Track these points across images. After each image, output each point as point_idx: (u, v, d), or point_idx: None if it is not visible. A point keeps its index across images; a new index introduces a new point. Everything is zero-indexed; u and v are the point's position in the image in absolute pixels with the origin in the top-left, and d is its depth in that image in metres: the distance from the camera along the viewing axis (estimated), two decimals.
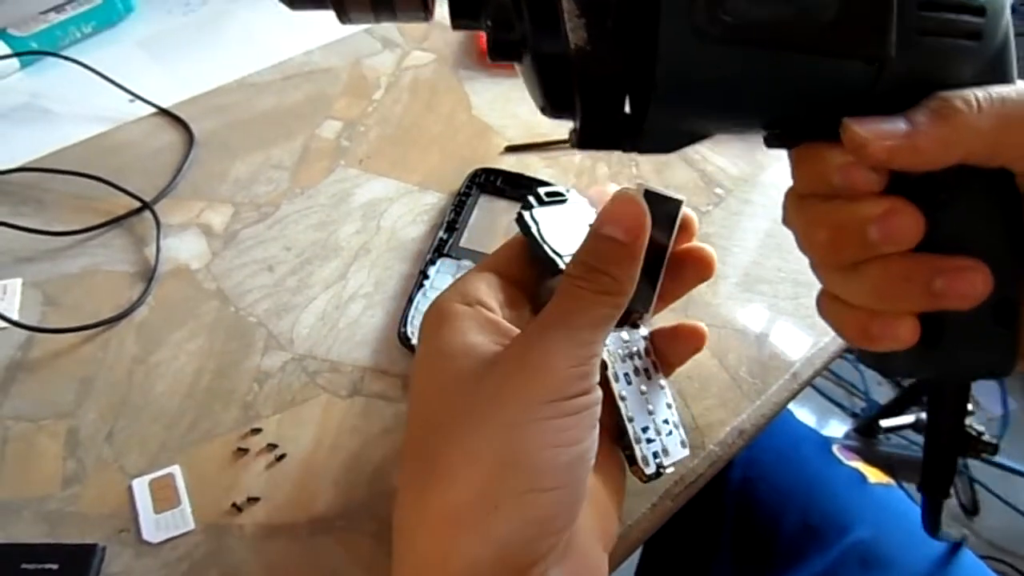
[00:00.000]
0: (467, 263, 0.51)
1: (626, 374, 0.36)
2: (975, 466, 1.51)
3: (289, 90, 0.66)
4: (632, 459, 0.35)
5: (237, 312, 0.50)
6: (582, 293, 0.31)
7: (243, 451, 0.43)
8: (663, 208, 0.36)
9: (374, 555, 0.40)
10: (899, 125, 0.26)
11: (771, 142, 0.31)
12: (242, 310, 0.50)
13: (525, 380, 0.29)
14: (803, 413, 1.62)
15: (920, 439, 1.52)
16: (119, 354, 0.47)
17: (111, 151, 0.60)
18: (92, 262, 0.52)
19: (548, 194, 0.38)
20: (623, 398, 0.36)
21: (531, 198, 0.37)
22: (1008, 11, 0.28)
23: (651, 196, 0.35)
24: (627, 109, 0.28)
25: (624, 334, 0.38)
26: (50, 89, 0.65)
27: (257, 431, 0.44)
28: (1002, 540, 1.43)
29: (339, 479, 0.42)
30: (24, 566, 0.37)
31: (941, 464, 0.38)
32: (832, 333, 0.50)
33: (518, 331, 0.32)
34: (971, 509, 1.48)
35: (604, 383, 0.34)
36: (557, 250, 0.35)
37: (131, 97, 0.64)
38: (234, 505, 0.41)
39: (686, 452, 0.37)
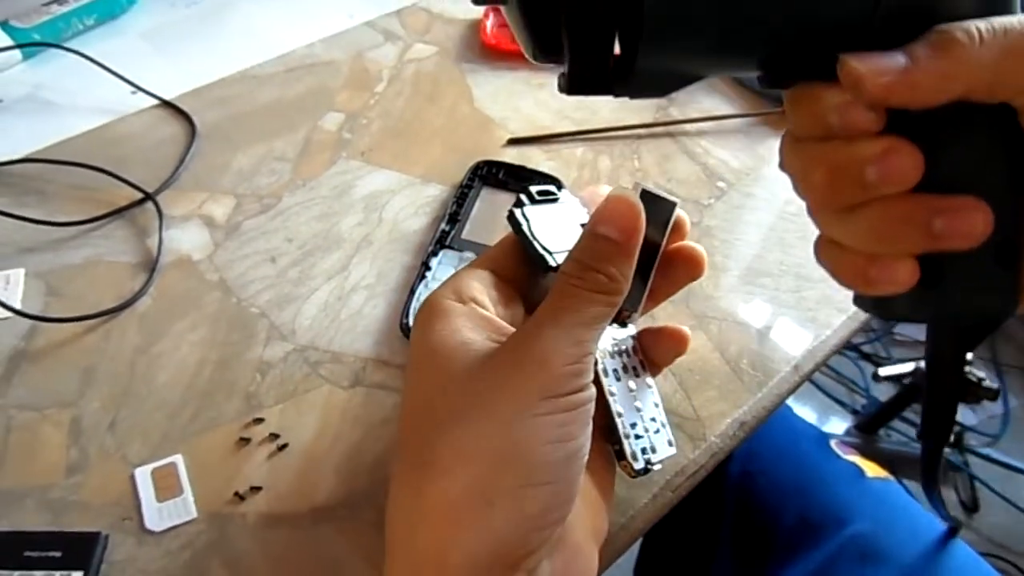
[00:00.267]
0: (469, 255, 0.51)
1: (615, 370, 0.37)
2: (975, 463, 1.52)
3: (291, 82, 0.66)
4: (621, 454, 0.35)
5: (239, 303, 0.50)
6: (577, 291, 0.31)
7: (245, 441, 0.43)
8: (657, 208, 0.36)
9: (375, 544, 0.40)
10: (898, 59, 0.26)
11: (766, 82, 0.30)
12: (244, 301, 0.50)
13: (521, 377, 0.29)
14: (804, 410, 1.62)
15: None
16: (122, 344, 0.48)
17: (113, 142, 0.60)
18: (95, 253, 0.52)
19: (540, 192, 0.38)
20: (612, 394, 0.36)
21: (522, 196, 0.37)
22: None
23: (646, 196, 0.35)
24: (617, 52, 0.28)
25: (612, 331, 0.38)
26: (53, 81, 0.65)
27: (259, 421, 0.44)
28: (1002, 537, 1.44)
29: (341, 468, 0.42)
30: (27, 554, 0.38)
31: (940, 411, 0.37)
32: (833, 327, 0.50)
33: (512, 328, 0.32)
34: (971, 506, 1.48)
35: (595, 378, 0.34)
36: (548, 248, 0.35)
37: (133, 89, 0.64)
38: (236, 494, 0.41)
39: (673, 451, 0.38)
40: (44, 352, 0.47)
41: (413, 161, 0.60)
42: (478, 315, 0.32)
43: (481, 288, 0.34)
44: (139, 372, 0.46)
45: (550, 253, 0.35)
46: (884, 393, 1.62)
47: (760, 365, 0.48)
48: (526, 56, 0.30)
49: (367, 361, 0.47)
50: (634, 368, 0.38)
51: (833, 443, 0.64)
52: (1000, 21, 0.26)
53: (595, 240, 0.31)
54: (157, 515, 0.40)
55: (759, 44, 0.28)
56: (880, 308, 0.32)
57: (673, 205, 0.37)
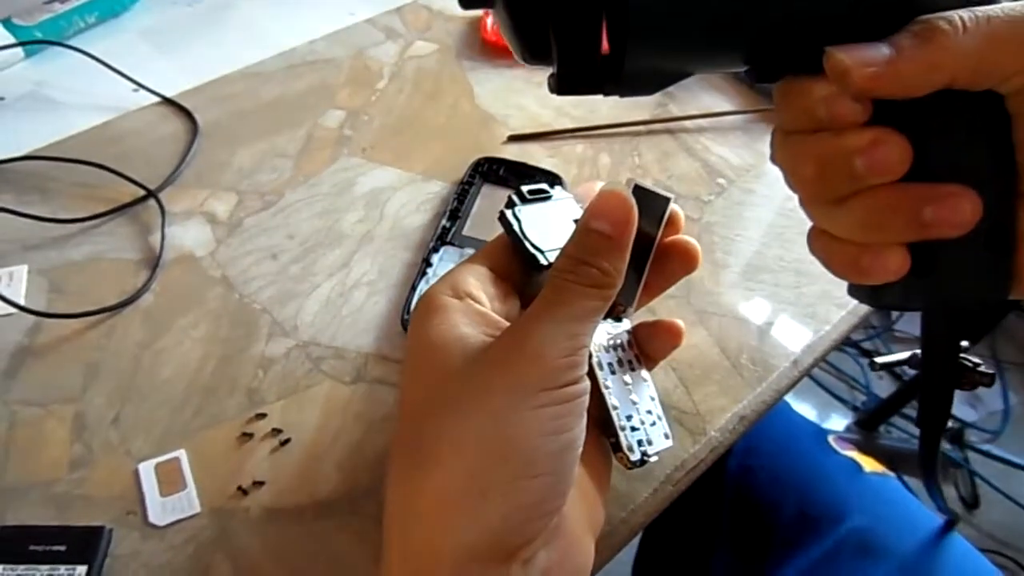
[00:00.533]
0: (470, 251, 0.52)
1: (610, 364, 0.37)
2: (976, 460, 1.52)
3: (293, 80, 0.66)
4: (617, 446, 0.36)
5: (241, 299, 0.50)
6: (570, 286, 0.31)
7: (248, 436, 0.44)
8: (651, 204, 0.37)
9: (377, 538, 0.40)
10: (882, 50, 0.26)
11: (753, 77, 0.30)
12: (246, 297, 0.50)
13: (515, 370, 0.29)
14: (805, 407, 1.63)
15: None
16: (125, 340, 0.48)
17: (115, 140, 0.60)
18: (97, 250, 0.53)
19: (531, 191, 0.38)
20: (608, 387, 0.36)
21: (514, 196, 0.38)
22: None
23: (640, 192, 0.35)
24: (605, 51, 0.28)
25: (608, 326, 0.38)
26: (55, 78, 0.66)
27: (262, 416, 0.44)
28: (1002, 533, 1.44)
29: (343, 463, 0.43)
30: (32, 548, 0.38)
31: (936, 398, 0.37)
32: (832, 322, 0.50)
33: (507, 323, 0.32)
34: (971, 503, 1.49)
35: (589, 371, 0.34)
36: (540, 247, 0.35)
37: (135, 86, 0.64)
38: (239, 489, 0.41)
39: (669, 443, 0.38)
40: (48, 348, 0.47)
41: (414, 158, 0.60)
42: (474, 310, 0.32)
43: (477, 284, 0.34)
44: (142, 368, 0.47)
45: (541, 252, 0.35)
46: (884, 389, 1.62)
47: (760, 360, 0.48)
48: (516, 58, 0.30)
49: (368, 357, 0.48)
50: (629, 362, 0.38)
51: (831, 439, 0.65)
52: (983, 10, 0.26)
53: (588, 235, 0.32)
54: (161, 509, 0.41)
55: (745, 39, 0.28)
56: (873, 297, 0.32)
57: (667, 200, 0.37)
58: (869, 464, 0.61)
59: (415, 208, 0.56)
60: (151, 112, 0.63)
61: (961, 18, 0.26)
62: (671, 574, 0.71)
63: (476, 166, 0.57)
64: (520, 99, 0.65)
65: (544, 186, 0.38)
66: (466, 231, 0.53)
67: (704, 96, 0.66)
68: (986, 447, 1.53)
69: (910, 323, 1.71)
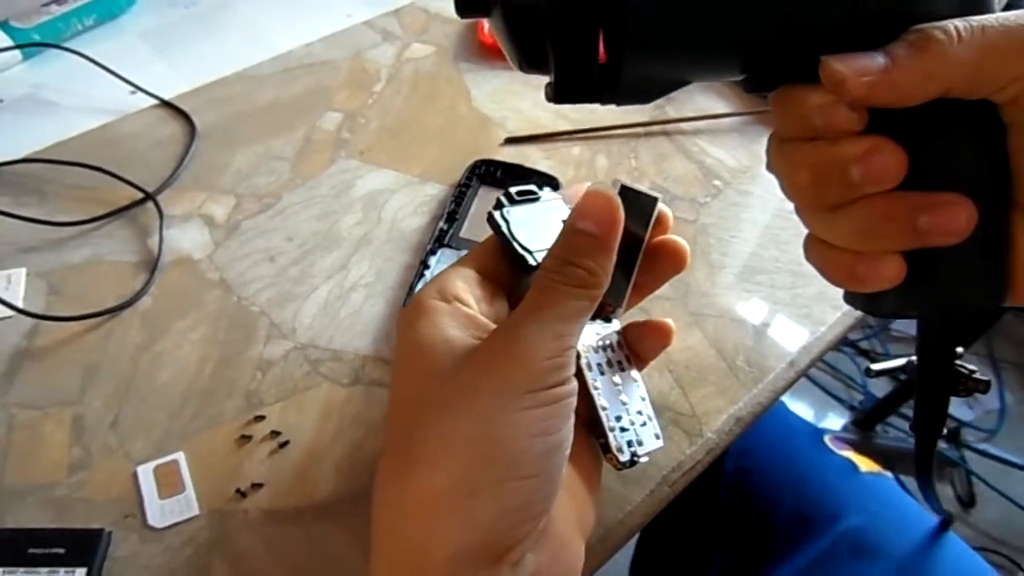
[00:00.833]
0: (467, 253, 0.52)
1: (599, 364, 0.37)
2: (972, 458, 1.52)
3: (290, 82, 0.66)
4: (606, 447, 0.36)
5: (240, 302, 0.50)
6: (557, 286, 0.31)
7: (247, 438, 0.44)
8: (638, 204, 0.37)
9: None
10: (877, 59, 0.26)
11: (749, 86, 0.31)
12: (245, 300, 0.51)
13: (502, 371, 0.29)
14: (801, 407, 1.63)
15: None
16: (123, 343, 0.48)
17: (113, 142, 0.60)
18: (96, 252, 0.53)
19: (519, 192, 0.38)
20: (596, 387, 0.36)
21: (502, 197, 0.38)
22: None
23: (626, 192, 0.35)
24: (602, 60, 0.28)
25: (597, 326, 0.39)
26: (52, 81, 0.66)
27: (260, 419, 0.45)
28: (998, 532, 1.44)
29: (341, 465, 0.43)
30: (32, 551, 0.38)
31: (932, 404, 0.38)
32: (828, 323, 0.51)
33: (494, 326, 0.33)
34: (967, 501, 1.49)
35: (578, 373, 0.34)
36: (528, 247, 0.35)
37: (133, 89, 0.64)
38: (238, 491, 0.42)
39: (660, 443, 0.38)
40: (46, 351, 0.47)
41: (411, 160, 0.60)
42: (461, 313, 0.33)
43: (465, 287, 0.34)
44: (141, 370, 0.47)
45: (530, 253, 0.35)
46: (881, 389, 1.62)
47: (756, 361, 0.49)
48: (512, 66, 0.30)
49: (366, 359, 0.48)
50: (619, 363, 0.38)
51: (827, 439, 0.65)
52: (977, 19, 0.26)
53: (574, 235, 0.32)
54: (159, 512, 0.41)
55: (742, 48, 0.29)
56: (870, 305, 0.32)
57: (655, 200, 0.37)
58: (865, 464, 0.62)
59: (412, 210, 0.56)
60: (149, 115, 0.63)
61: (956, 27, 0.26)
62: (668, 575, 0.71)
63: (473, 168, 0.57)
64: (517, 101, 0.65)
65: (532, 187, 0.38)
66: (463, 233, 0.53)
67: (700, 98, 0.66)
68: (982, 446, 1.54)
69: (907, 323, 1.72)
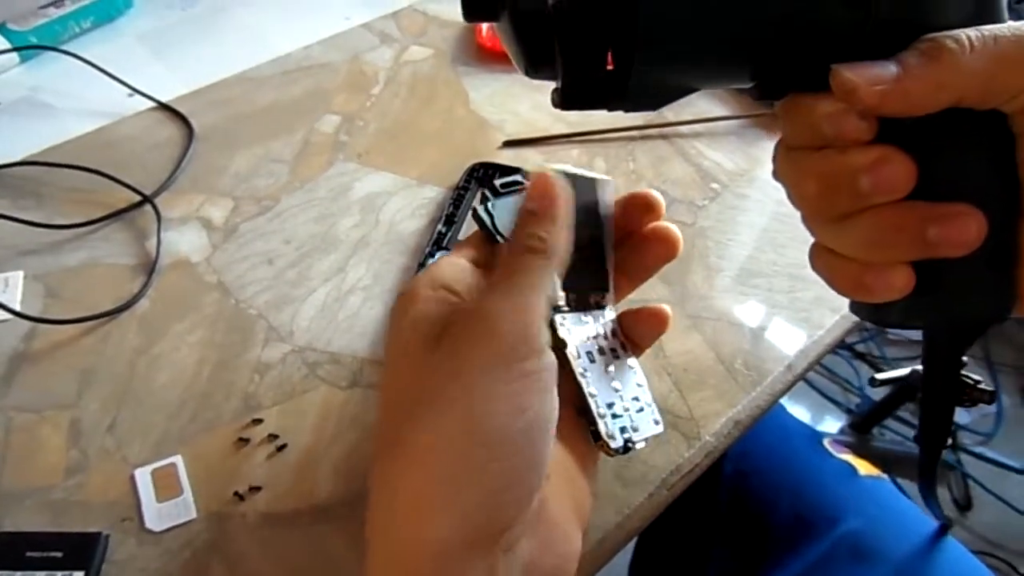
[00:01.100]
0: None
1: (588, 353, 0.37)
2: (968, 461, 1.52)
3: (288, 85, 0.66)
4: (597, 435, 0.36)
5: (237, 304, 0.50)
6: (513, 259, 0.32)
7: (244, 441, 0.44)
8: (590, 188, 0.38)
9: None
10: (889, 69, 0.26)
11: (758, 94, 0.31)
12: (242, 302, 0.50)
13: (471, 352, 0.30)
14: (799, 410, 1.63)
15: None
16: (121, 346, 0.48)
17: (111, 145, 0.60)
18: (93, 255, 0.53)
19: (503, 185, 0.38)
20: (584, 375, 0.36)
21: (486, 191, 0.38)
22: None
23: (574, 178, 0.36)
24: (610, 66, 0.28)
25: (586, 316, 0.38)
26: (50, 83, 0.66)
27: (258, 422, 0.44)
28: (995, 535, 1.44)
29: (339, 468, 0.43)
30: (29, 554, 0.38)
31: (937, 414, 0.37)
32: (826, 327, 0.51)
33: None
34: (964, 504, 1.49)
35: (565, 361, 0.35)
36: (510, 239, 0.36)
37: (130, 91, 0.64)
38: (236, 494, 0.42)
39: (659, 428, 0.38)
40: (43, 354, 0.47)
41: (409, 163, 0.60)
42: (448, 302, 0.33)
43: (455, 276, 0.34)
44: (138, 373, 0.47)
45: None
46: (878, 393, 1.62)
47: (754, 365, 0.49)
48: (518, 71, 0.30)
49: (364, 362, 0.48)
50: (613, 350, 0.38)
51: (826, 442, 0.65)
52: (989, 29, 0.26)
53: (525, 216, 0.33)
54: (157, 515, 0.41)
55: (752, 56, 0.28)
56: (876, 315, 0.32)
57: (607, 183, 0.39)
58: (864, 467, 0.62)
59: (410, 213, 0.56)
60: (147, 117, 0.63)
61: (968, 37, 0.26)
62: None
63: (471, 171, 0.58)
64: (515, 104, 0.65)
65: (518, 177, 0.39)
66: (461, 236, 0.53)
67: (698, 101, 0.66)
68: (979, 449, 1.54)
69: None
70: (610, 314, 0.40)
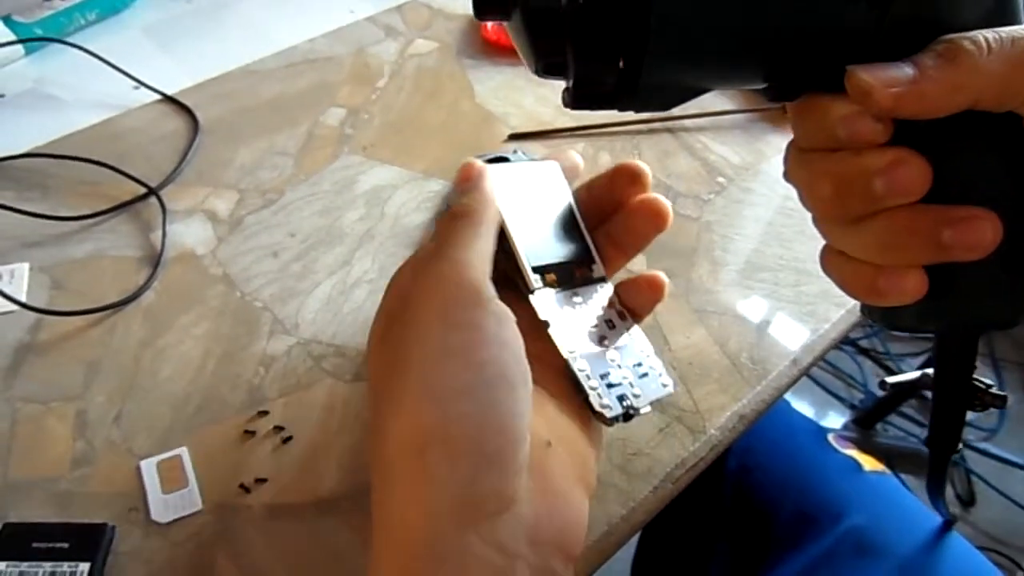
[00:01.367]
0: None
1: (579, 328, 0.37)
2: (972, 457, 1.52)
3: (293, 78, 0.66)
4: (591, 407, 0.36)
5: (243, 297, 0.50)
6: (441, 227, 0.34)
7: (250, 433, 0.44)
8: (538, 171, 0.41)
9: None
10: (905, 70, 0.26)
11: (772, 95, 0.30)
12: (248, 295, 0.51)
13: (416, 315, 0.31)
14: (803, 405, 1.63)
15: (917, 430, 1.53)
16: (126, 338, 0.48)
17: (116, 137, 0.60)
18: (99, 247, 0.53)
19: (489, 162, 0.39)
20: (571, 351, 0.36)
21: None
22: None
23: (517, 166, 0.40)
24: (621, 65, 0.28)
25: (577, 292, 0.39)
26: (55, 75, 0.66)
27: (264, 414, 0.44)
28: (998, 531, 1.45)
29: (344, 461, 0.43)
30: (35, 545, 0.38)
31: (948, 419, 0.37)
32: (831, 321, 0.51)
33: None
34: (967, 500, 1.49)
35: (548, 338, 0.36)
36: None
37: (136, 84, 0.64)
38: (241, 486, 0.42)
39: (668, 390, 0.38)
40: (49, 345, 0.47)
41: (415, 156, 0.60)
42: None
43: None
44: (144, 365, 0.47)
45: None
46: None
47: (759, 359, 0.49)
48: (529, 71, 0.30)
49: None
50: (608, 321, 0.39)
51: (830, 437, 0.65)
52: (1007, 31, 0.26)
53: (454, 196, 0.36)
54: (163, 507, 0.41)
55: (766, 56, 0.28)
56: (888, 318, 0.32)
57: (551, 164, 0.41)
58: (869, 463, 0.62)
59: (416, 206, 0.56)
60: (152, 109, 0.63)
61: (986, 38, 0.25)
62: (670, 572, 0.71)
63: None
64: (520, 97, 0.65)
65: (506, 155, 0.40)
66: None
67: (704, 95, 0.66)
68: (983, 445, 1.54)
69: None
70: (605, 285, 0.40)
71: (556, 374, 0.35)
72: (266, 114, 0.63)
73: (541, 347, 0.35)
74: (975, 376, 0.35)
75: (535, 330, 0.35)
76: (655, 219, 0.39)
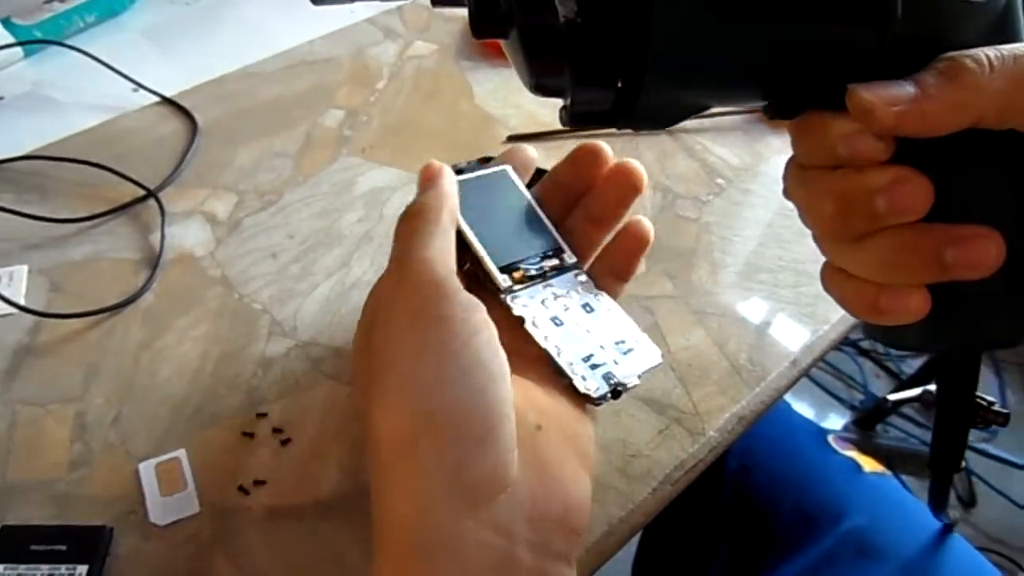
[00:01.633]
0: None
1: (554, 318, 0.38)
2: (972, 458, 1.52)
3: (292, 79, 0.66)
4: (576, 391, 0.36)
5: (241, 299, 0.50)
6: (400, 228, 0.34)
7: (248, 435, 0.44)
8: (492, 178, 0.41)
9: None
10: (907, 89, 0.26)
11: (772, 113, 0.30)
12: (246, 297, 0.50)
13: (389, 315, 0.31)
14: (802, 406, 1.63)
15: (917, 431, 1.53)
16: (125, 340, 0.48)
17: (115, 139, 0.60)
18: (97, 249, 0.53)
19: (459, 172, 0.40)
20: (547, 339, 0.36)
21: None
22: None
23: (472, 179, 0.40)
24: (619, 84, 0.27)
25: (549, 284, 0.39)
26: (54, 78, 0.66)
27: (262, 416, 0.44)
28: (999, 532, 1.44)
29: (343, 463, 0.43)
30: (33, 547, 0.38)
31: (951, 438, 0.37)
32: (831, 322, 0.51)
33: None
34: (968, 501, 1.49)
35: (530, 336, 0.36)
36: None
37: (135, 86, 0.64)
38: (240, 488, 0.42)
39: (656, 360, 0.38)
40: (48, 348, 0.47)
41: (413, 158, 0.60)
42: None
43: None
44: (142, 367, 0.47)
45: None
46: (882, 388, 1.62)
47: (758, 360, 0.49)
48: (526, 89, 0.30)
49: None
50: (585, 304, 0.39)
51: (830, 438, 0.65)
52: (1009, 48, 0.26)
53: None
54: (161, 509, 0.41)
55: (765, 80, 0.28)
56: (890, 337, 0.32)
57: (503, 169, 0.42)
58: (869, 464, 0.62)
59: None
60: (151, 112, 0.63)
61: (987, 56, 0.25)
62: (670, 574, 0.71)
63: None
64: (519, 99, 0.65)
65: (459, 166, 0.41)
66: None
67: None
68: (983, 446, 1.53)
69: None
70: (579, 272, 0.41)
71: (541, 364, 0.36)
72: (265, 116, 0.63)
73: (522, 342, 0.35)
74: (978, 393, 0.35)
75: (515, 327, 0.36)
76: (630, 181, 0.40)
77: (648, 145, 0.62)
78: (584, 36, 0.26)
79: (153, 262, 0.52)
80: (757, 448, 0.63)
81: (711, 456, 0.45)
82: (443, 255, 0.33)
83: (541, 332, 0.37)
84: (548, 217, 0.41)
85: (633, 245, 0.41)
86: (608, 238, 0.42)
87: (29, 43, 0.67)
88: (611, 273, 0.41)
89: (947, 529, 0.54)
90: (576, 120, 0.29)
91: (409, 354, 0.30)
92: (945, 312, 0.28)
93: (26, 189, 0.56)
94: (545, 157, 0.60)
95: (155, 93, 0.64)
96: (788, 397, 0.51)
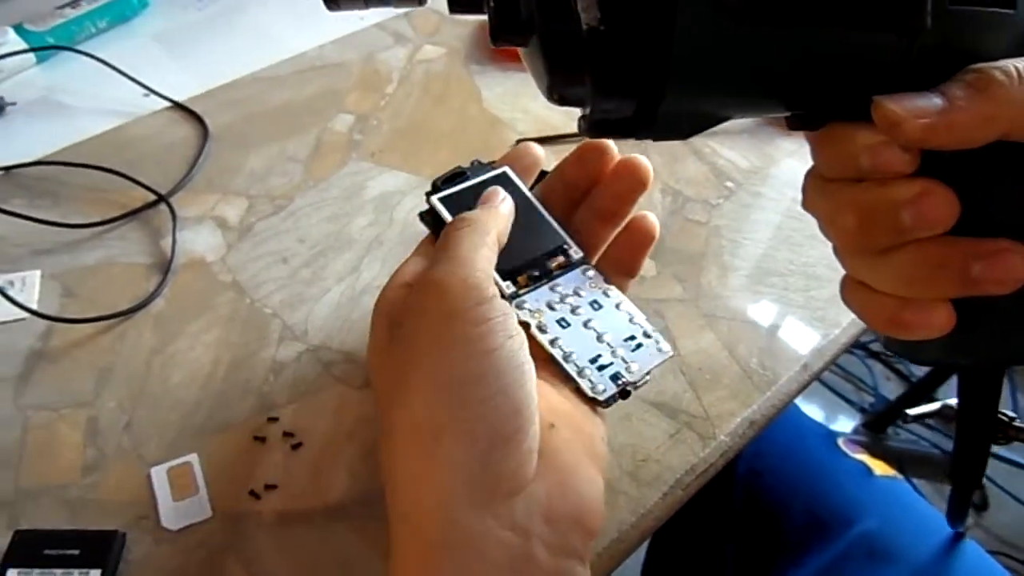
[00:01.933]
0: None
1: (560, 320, 0.38)
2: None
3: (302, 84, 0.66)
4: (584, 395, 0.36)
5: (252, 304, 0.51)
6: (446, 235, 0.36)
7: (260, 440, 0.44)
8: (485, 182, 0.41)
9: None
10: (935, 101, 0.25)
11: (795, 124, 0.29)
12: (257, 301, 0.51)
13: (423, 315, 0.33)
14: (812, 409, 1.62)
15: (928, 434, 1.52)
16: (137, 345, 0.48)
17: (126, 145, 0.61)
18: (109, 254, 0.53)
19: (445, 180, 0.41)
20: (553, 342, 0.37)
21: (425, 194, 0.41)
22: None
23: (477, 184, 0.41)
24: (641, 93, 0.27)
25: (556, 284, 0.40)
26: (66, 83, 0.66)
27: (274, 420, 0.45)
28: (1011, 535, 1.44)
29: (354, 467, 0.43)
30: (47, 552, 0.38)
31: (972, 453, 0.36)
32: (842, 326, 0.50)
33: None
34: (980, 504, 1.48)
35: (531, 338, 0.36)
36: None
37: (146, 91, 0.65)
38: (251, 493, 0.42)
39: (665, 355, 0.38)
40: (60, 353, 0.48)
41: (423, 162, 0.60)
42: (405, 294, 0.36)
43: (415, 272, 0.38)
44: (154, 372, 0.47)
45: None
46: (892, 391, 1.61)
47: (769, 364, 0.48)
48: (544, 97, 0.30)
49: None
50: (593, 302, 0.39)
51: (841, 441, 0.65)
52: None
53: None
54: (173, 514, 0.41)
55: (789, 90, 0.27)
56: (913, 352, 0.31)
57: (502, 171, 0.42)
58: (879, 467, 0.61)
59: None
60: (162, 117, 0.63)
61: (1016, 68, 0.25)
62: None
63: None
64: (528, 103, 0.65)
65: (461, 167, 0.42)
66: None
67: None
68: (995, 449, 1.52)
69: None
70: (586, 267, 0.41)
71: (553, 364, 0.37)
72: (275, 121, 0.63)
73: (534, 343, 0.36)
74: (1000, 410, 0.34)
75: (525, 330, 0.36)
76: (635, 175, 0.40)
77: (657, 148, 0.62)
78: (606, 44, 0.25)
79: (165, 267, 0.52)
80: (767, 452, 0.63)
81: (722, 460, 0.45)
82: (485, 263, 0.34)
83: (547, 336, 0.37)
84: (553, 214, 0.42)
85: (639, 240, 0.41)
86: (614, 234, 0.42)
87: (41, 49, 0.67)
88: (617, 269, 0.42)
89: (959, 534, 0.54)
90: (595, 129, 0.29)
91: (444, 349, 0.31)
92: (970, 326, 0.28)
93: (38, 194, 0.56)
94: (553, 161, 0.60)
95: (166, 98, 0.64)
96: (798, 400, 0.51)
